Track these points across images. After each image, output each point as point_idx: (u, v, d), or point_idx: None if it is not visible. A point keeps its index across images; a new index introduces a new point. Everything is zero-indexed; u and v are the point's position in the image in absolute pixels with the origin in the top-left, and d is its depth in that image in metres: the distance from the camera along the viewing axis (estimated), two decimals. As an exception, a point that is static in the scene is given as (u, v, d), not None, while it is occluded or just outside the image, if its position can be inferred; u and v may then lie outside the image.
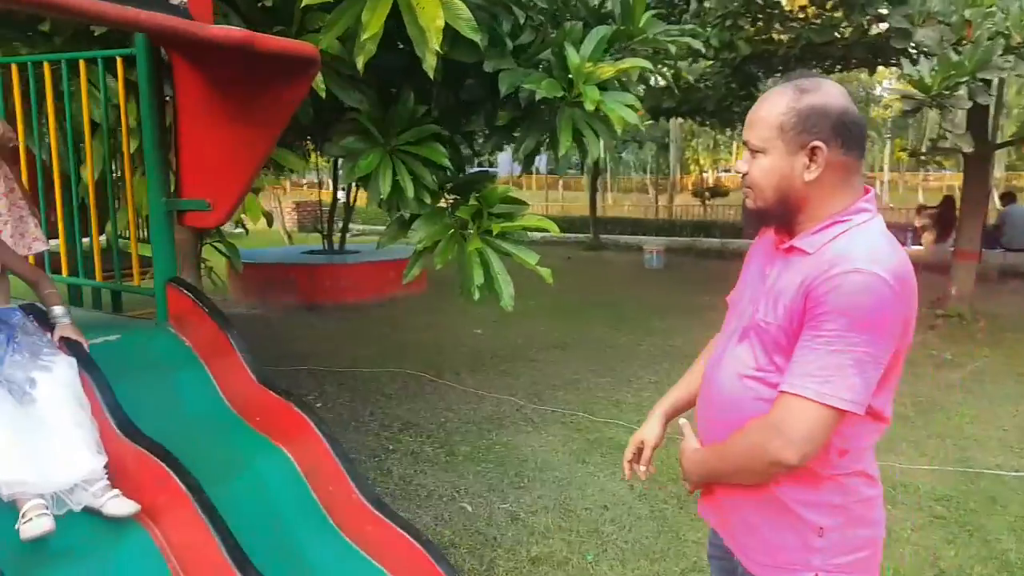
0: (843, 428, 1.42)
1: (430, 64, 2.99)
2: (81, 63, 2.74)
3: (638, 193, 32.67)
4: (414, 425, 5.11)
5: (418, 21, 2.85)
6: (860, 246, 1.40)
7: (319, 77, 3.21)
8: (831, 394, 1.36)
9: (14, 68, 2.77)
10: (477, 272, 3.95)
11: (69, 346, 2.15)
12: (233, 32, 2.02)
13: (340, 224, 10.99)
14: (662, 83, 9.05)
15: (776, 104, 1.45)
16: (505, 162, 15.96)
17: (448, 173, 4.24)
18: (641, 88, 4.58)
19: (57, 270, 3.00)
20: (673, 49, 4.17)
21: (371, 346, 7.22)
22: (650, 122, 13.99)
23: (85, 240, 3.02)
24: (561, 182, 32.37)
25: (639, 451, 1.81)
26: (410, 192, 3.78)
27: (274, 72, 2.38)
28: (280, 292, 9.19)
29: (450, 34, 3.09)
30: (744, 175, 1.52)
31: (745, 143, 1.51)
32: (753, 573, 1.55)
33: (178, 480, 2.04)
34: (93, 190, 2.92)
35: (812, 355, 1.38)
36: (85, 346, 2.16)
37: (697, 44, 4.26)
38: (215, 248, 4.43)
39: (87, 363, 2.13)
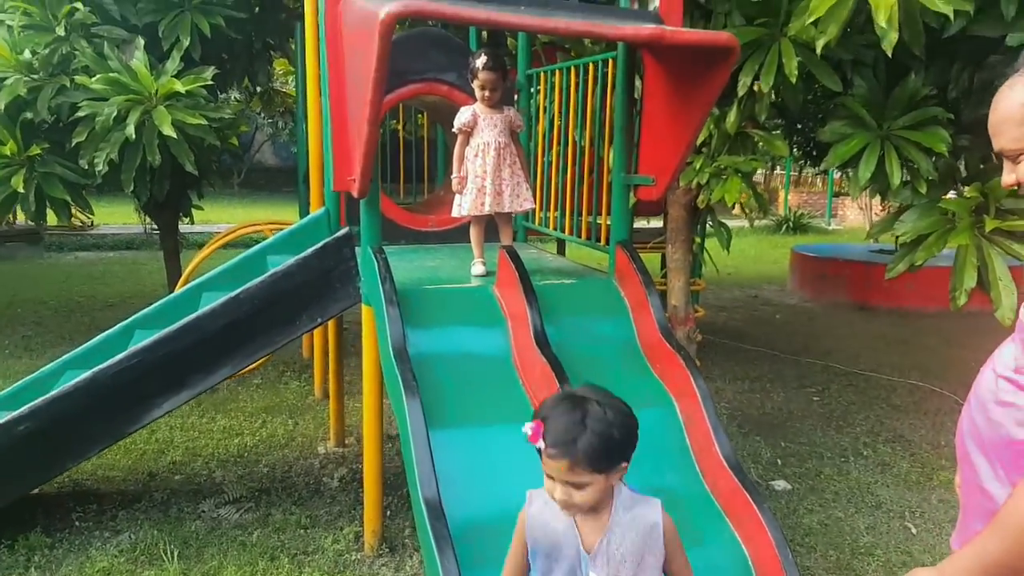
0: None
1: (890, 42, 2.81)
2: (589, 66, 3.47)
3: None
4: (904, 440, 4.68)
5: (870, -2, 2.73)
6: None
7: (791, 62, 3.31)
8: None
9: (542, 76, 3.66)
10: (969, 273, 3.47)
11: None
12: (642, 30, 2.39)
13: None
14: None
15: (1014, 97, 1.28)
16: None
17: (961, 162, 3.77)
18: None
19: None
20: None
21: (907, 356, 6.65)
22: None
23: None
24: None
25: None
26: (896, 179, 3.53)
27: (699, 63, 2.65)
28: (833, 288, 9.04)
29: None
30: (1017, 187, 1.31)
31: (1000, 154, 1.32)
32: None
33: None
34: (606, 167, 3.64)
35: None
36: None
37: None
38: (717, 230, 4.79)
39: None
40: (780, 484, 4.06)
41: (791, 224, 15.79)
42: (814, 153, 6.76)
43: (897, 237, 3.67)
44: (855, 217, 17.04)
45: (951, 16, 2.77)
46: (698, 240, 4.72)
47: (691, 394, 2.74)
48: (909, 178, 3.64)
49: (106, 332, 3.84)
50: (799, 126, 6.13)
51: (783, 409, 5.26)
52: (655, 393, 2.85)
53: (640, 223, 7.21)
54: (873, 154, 3.55)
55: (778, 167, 17.15)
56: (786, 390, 5.67)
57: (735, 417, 5.05)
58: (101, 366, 3.06)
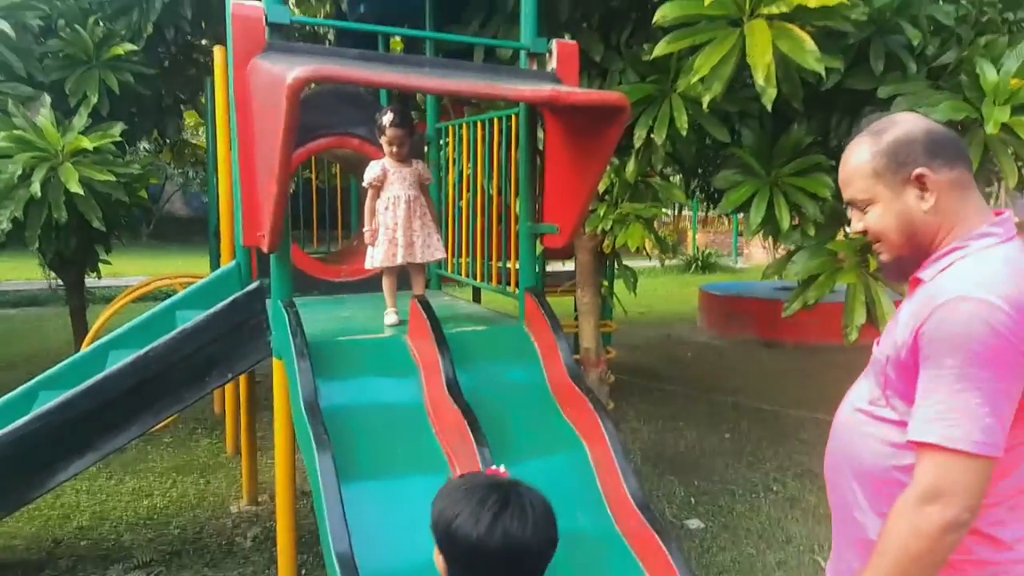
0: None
1: (768, 97, 3.04)
2: (495, 121, 3.62)
3: None
4: (812, 474, 4.89)
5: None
6: (972, 273, 1.28)
7: (681, 116, 3.54)
8: (961, 438, 1.22)
9: (451, 129, 3.82)
10: (858, 310, 3.73)
11: None
12: (540, 92, 2.54)
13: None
14: None
15: (860, 155, 1.44)
16: None
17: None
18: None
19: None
20: None
21: (812, 390, 6.98)
22: None
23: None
24: None
25: None
26: (785, 223, 3.78)
27: (594, 119, 2.82)
28: (740, 325, 9.43)
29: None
30: (864, 233, 1.47)
31: (849, 204, 1.49)
32: None
33: (473, 440, 2.61)
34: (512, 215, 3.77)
35: (934, 397, 1.26)
36: None
37: None
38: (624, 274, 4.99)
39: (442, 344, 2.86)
40: (694, 523, 4.19)
41: (700, 263, 16.41)
42: (716, 196, 7.13)
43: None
44: (761, 255, 17.85)
45: (823, 73, 3.03)
46: (606, 283, 4.89)
47: (600, 437, 2.83)
48: (798, 221, 3.90)
49: (7, 395, 3.69)
50: (700, 171, 6.47)
51: (696, 447, 5.44)
52: (566, 437, 2.93)
53: (557, 266, 7.41)
54: (762, 200, 3.79)
55: (686, 208, 17.90)
56: (698, 428, 5.87)
57: (649, 457, 5.20)
58: (2, 430, 2.94)
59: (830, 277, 3.81)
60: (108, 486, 4.65)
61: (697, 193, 7.41)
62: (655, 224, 4.22)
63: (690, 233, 19.28)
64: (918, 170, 1.37)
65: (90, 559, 3.73)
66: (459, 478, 1.44)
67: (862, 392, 1.48)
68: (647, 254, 4.24)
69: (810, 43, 2.99)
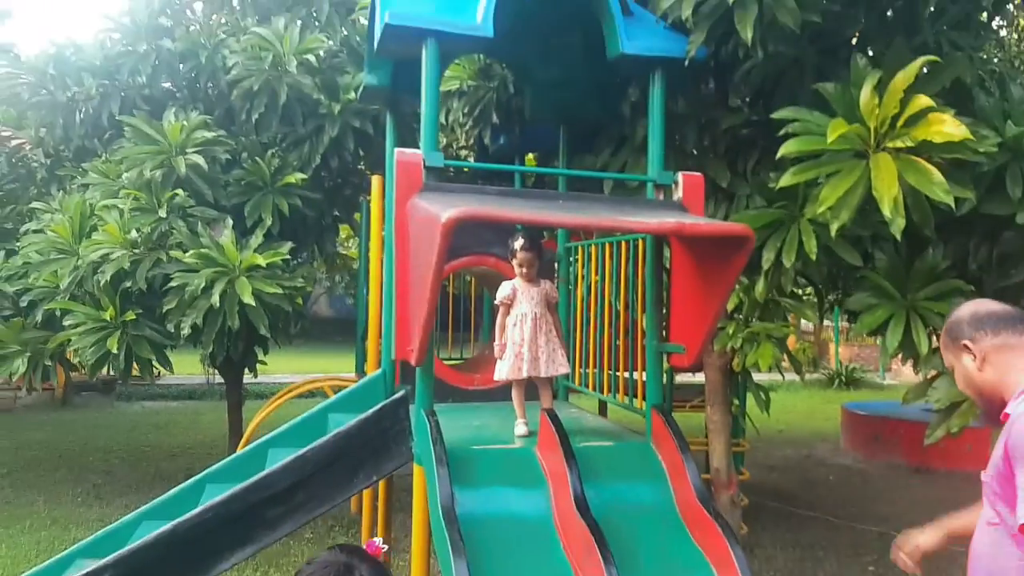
0: None
1: (898, 227, 3.07)
2: (622, 243, 3.82)
3: None
4: (965, 612, 4.51)
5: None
6: None
7: (810, 240, 3.59)
8: None
9: (580, 250, 4.07)
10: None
11: None
12: (665, 224, 2.73)
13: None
14: None
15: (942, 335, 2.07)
16: None
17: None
18: None
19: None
20: None
21: (966, 521, 6.44)
22: None
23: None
24: None
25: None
26: (923, 348, 3.69)
27: (719, 246, 2.97)
28: (886, 448, 8.87)
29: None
30: None
31: None
32: None
33: (600, 558, 2.66)
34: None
35: None
36: None
37: None
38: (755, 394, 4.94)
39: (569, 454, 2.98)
40: (832, 658, 3.95)
41: (843, 379, 15.61)
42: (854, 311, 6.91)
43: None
44: (909, 371, 16.73)
45: (952, 204, 3.04)
46: (736, 401, 4.86)
47: (729, 564, 2.81)
48: (939, 346, 3.78)
49: (180, 485, 4.10)
50: (841, 283, 6.33)
51: (836, 578, 5.14)
52: (695, 562, 2.92)
53: (685, 377, 7.35)
54: (899, 323, 3.72)
55: (827, 319, 17.19)
56: (839, 558, 5.54)
57: (785, 585, 4.96)
58: (179, 519, 3.29)
59: (974, 404, 3.64)
60: (254, 577, 4.97)
61: (835, 307, 7.23)
62: (791, 337, 4.24)
63: (832, 346, 18.46)
64: (963, 341, 1.93)
65: (237, 646, 3.98)
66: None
67: (984, 512, 1.83)
68: (782, 369, 4.21)
69: (937, 175, 3.02)
